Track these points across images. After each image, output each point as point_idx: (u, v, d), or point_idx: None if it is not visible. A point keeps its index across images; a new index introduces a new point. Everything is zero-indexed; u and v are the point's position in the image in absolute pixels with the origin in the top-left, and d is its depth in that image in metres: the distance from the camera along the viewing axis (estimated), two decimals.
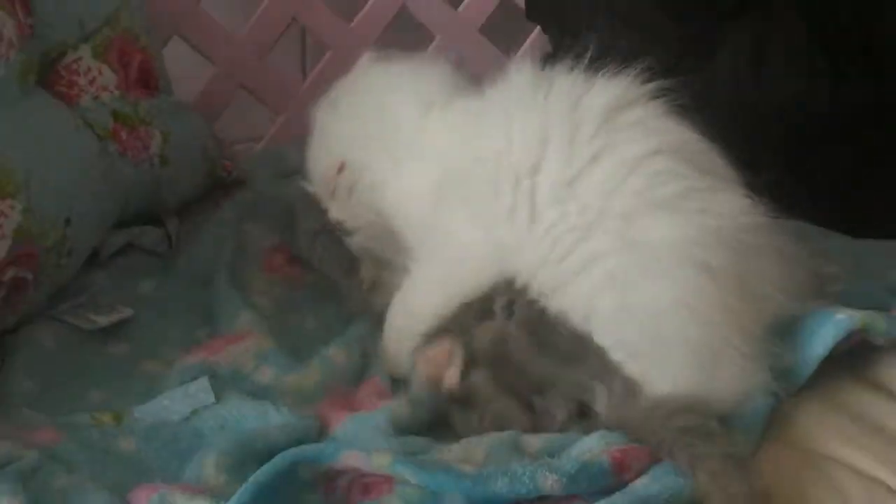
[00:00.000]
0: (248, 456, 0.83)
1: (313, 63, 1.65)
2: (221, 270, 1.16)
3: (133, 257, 1.25)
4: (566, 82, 1.01)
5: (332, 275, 1.17)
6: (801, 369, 0.94)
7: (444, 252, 1.02)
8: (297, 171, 1.26)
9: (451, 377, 0.95)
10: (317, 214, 1.15)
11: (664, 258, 0.91)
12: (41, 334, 1.06)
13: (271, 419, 0.91)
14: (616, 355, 0.91)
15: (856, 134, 1.40)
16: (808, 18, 1.42)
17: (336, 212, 1.12)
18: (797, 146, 1.40)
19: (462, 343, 0.96)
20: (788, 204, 1.02)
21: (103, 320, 1.09)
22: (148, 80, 1.30)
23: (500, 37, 1.73)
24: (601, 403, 0.90)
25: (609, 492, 0.81)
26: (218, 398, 0.95)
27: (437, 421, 0.95)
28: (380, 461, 0.80)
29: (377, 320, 1.07)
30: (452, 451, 0.86)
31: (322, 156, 1.16)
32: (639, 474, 0.83)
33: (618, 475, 0.82)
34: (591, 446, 0.85)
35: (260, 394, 0.96)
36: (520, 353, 0.95)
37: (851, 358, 0.98)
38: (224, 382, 0.98)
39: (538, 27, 1.69)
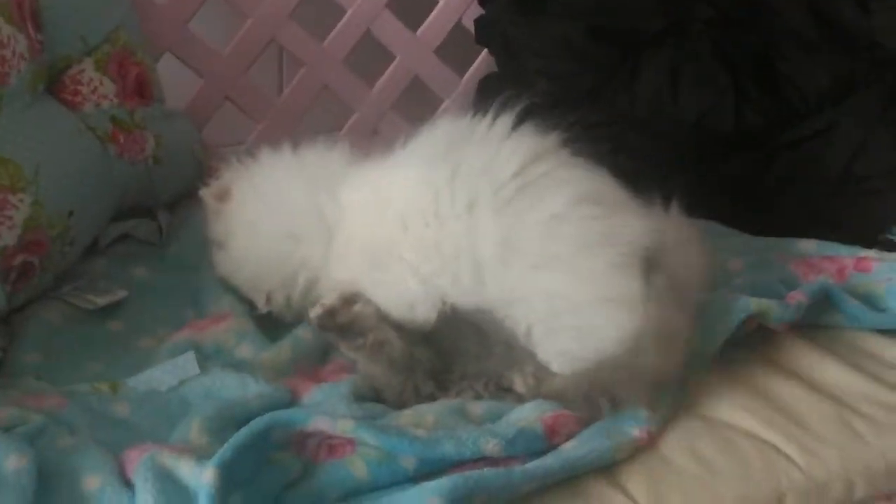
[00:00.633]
0: (229, 421, 0.84)
1: (289, 78, 1.65)
2: (207, 259, 1.15)
3: (129, 246, 1.24)
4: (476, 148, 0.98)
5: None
6: (708, 348, 0.95)
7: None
8: None
9: (324, 303, 0.94)
10: None
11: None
12: (46, 313, 1.05)
13: (249, 389, 0.91)
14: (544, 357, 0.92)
15: (756, 144, 1.41)
16: (715, 47, 1.44)
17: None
18: (707, 155, 1.41)
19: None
20: (699, 205, 1.04)
21: (101, 301, 1.08)
22: (143, 90, 1.29)
23: (453, 57, 1.74)
24: (520, 386, 0.91)
25: (542, 453, 0.82)
26: (203, 370, 0.95)
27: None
28: (344, 426, 0.81)
29: None
30: (405, 416, 0.86)
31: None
32: (568, 438, 0.84)
33: (549, 439, 0.83)
34: (528, 413, 0.86)
35: (239, 367, 0.96)
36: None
37: (752, 340, 1.00)
38: (208, 357, 0.98)
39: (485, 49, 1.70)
